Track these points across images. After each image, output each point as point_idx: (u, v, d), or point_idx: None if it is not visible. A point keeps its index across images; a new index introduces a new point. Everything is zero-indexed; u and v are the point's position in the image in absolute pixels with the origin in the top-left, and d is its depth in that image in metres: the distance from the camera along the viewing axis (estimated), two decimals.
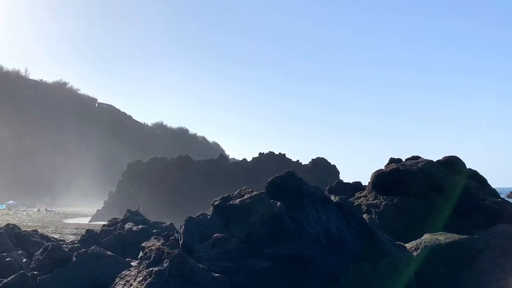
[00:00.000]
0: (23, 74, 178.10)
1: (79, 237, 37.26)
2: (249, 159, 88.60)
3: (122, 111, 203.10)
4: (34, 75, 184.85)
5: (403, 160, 17.78)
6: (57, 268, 8.21)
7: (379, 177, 16.81)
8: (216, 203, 11.26)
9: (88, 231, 17.43)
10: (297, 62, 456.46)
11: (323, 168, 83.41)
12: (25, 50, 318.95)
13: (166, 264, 8.62)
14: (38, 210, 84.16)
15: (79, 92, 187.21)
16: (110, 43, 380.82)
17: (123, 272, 9.05)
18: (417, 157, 17.25)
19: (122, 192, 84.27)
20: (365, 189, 17.58)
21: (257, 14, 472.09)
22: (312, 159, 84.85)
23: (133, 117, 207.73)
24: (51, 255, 8.20)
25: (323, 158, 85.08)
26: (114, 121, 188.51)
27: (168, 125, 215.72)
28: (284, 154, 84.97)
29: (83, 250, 9.78)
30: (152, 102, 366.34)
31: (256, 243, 10.38)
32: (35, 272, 8.15)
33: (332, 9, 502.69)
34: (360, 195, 13.40)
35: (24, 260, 12.11)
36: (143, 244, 9.77)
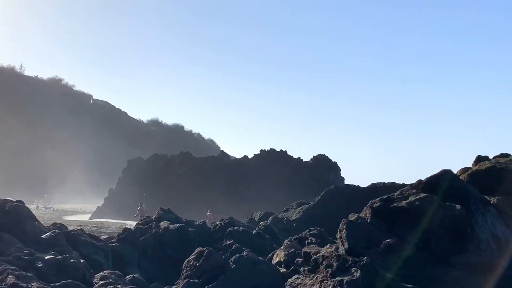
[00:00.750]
0: (18, 71, 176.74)
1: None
2: (244, 155, 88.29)
3: (117, 107, 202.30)
4: (29, 72, 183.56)
5: (490, 157, 17.34)
6: (220, 276, 7.35)
7: (473, 176, 16.27)
8: (375, 205, 10.28)
9: (126, 229, 17.07)
10: (297, 57, 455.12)
11: (324, 165, 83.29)
12: (20, 46, 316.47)
13: (357, 274, 7.86)
14: (37, 207, 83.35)
15: (74, 89, 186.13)
16: (105, 39, 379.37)
17: (292, 280, 8.14)
18: (507, 155, 16.90)
19: (122, 189, 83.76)
20: None
21: (254, 5, 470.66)
22: (314, 156, 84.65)
23: (128, 114, 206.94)
24: (209, 261, 7.41)
25: (324, 155, 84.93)
26: (109, 117, 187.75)
27: (163, 122, 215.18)
28: (286, 151, 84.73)
29: (238, 255, 8.95)
30: (147, 98, 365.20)
31: (436, 250, 9.47)
32: (196, 280, 7.29)
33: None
34: None
35: (82, 261, 11.69)
36: (305, 250, 8.98)
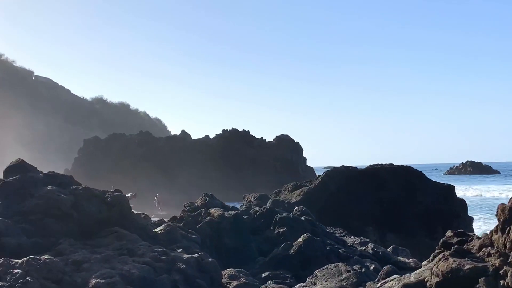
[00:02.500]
0: None
1: None
2: (206, 135, 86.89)
3: (60, 84, 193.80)
4: None
5: None
6: None
7: None
8: None
9: (174, 217, 15.61)
10: (250, 35, 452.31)
11: (287, 145, 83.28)
12: None
13: None
14: None
15: (14, 64, 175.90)
16: (49, 13, 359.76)
17: None
18: None
19: (79, 169, 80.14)
20: None
21: None
22: (277, 136, 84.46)
23: (71, 91, 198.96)
24: None
25: (286, 135, 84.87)
26: (51, 94, 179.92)
27: (108, 100, 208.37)
28: (248, 131, 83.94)
29: None
30: (91, 75, 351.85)
31: None
32: None
33: None
34: None
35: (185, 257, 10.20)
36: None
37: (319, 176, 33.70)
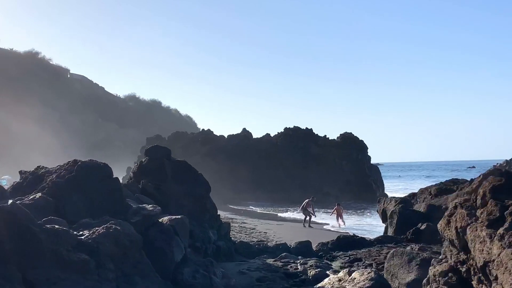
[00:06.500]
0: None
1: None
2: (266, 133, 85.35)
3: (94, 82, 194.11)
4: (4, 44, 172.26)
5: None
6: None
7: None
8: None
9: None
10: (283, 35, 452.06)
11: (352, 143, 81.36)
12: None
13: None
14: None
15: (51, 63, 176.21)
16: (81, 12, 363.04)
17: None
18: None
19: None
20: None
21: None
22: (340, 134, 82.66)
23: (106, 89, 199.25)
24: None
25: (351, 133, 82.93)
26: (87, 92, 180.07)
27: (140, 97, 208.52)
28: (311, 129, 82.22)
29: None
30: (124, 73, 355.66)
31: None
32: None
33: None
34: None
35: None
36: None
37: (472, 179, 31.98)
